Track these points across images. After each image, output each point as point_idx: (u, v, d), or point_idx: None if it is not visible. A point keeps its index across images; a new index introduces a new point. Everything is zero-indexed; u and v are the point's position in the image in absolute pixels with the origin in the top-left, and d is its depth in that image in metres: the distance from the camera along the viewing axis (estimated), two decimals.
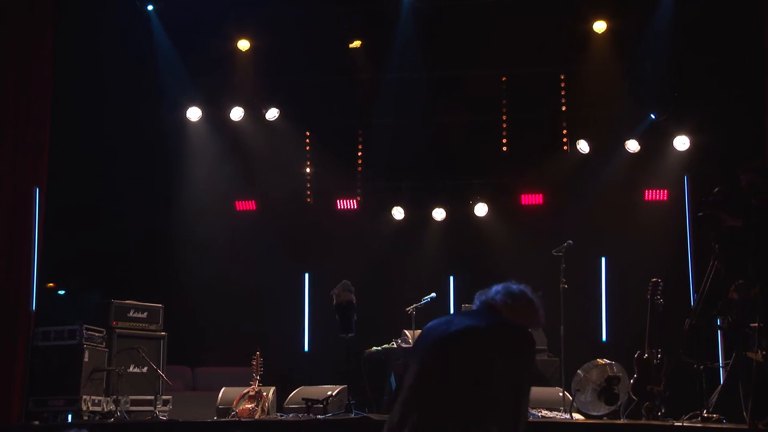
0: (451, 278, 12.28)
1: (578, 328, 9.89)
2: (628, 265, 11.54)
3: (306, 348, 12.23)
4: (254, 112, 12.44)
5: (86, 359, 9.10)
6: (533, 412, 9.12)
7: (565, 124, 12.39)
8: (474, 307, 4.21)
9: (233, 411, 9.29)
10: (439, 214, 12.76)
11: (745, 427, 7.40)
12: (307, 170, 13.02)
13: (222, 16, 11.83)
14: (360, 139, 12.97)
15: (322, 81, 12.40)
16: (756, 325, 7.67)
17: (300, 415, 9.16)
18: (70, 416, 9.03)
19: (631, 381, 8.92)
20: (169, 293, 11.11)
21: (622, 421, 8.81)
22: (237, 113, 12.37)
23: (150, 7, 11.69)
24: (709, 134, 11.39)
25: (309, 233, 12.79)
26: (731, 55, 11.20)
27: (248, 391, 9.35)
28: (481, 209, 12.63)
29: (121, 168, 11.92)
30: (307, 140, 13.00)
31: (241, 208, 12.95)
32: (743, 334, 7.96)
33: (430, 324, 4.14)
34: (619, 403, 9.26)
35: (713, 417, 7.82)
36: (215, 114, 12.49)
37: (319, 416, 8.94)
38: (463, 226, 12.73)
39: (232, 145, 12.62)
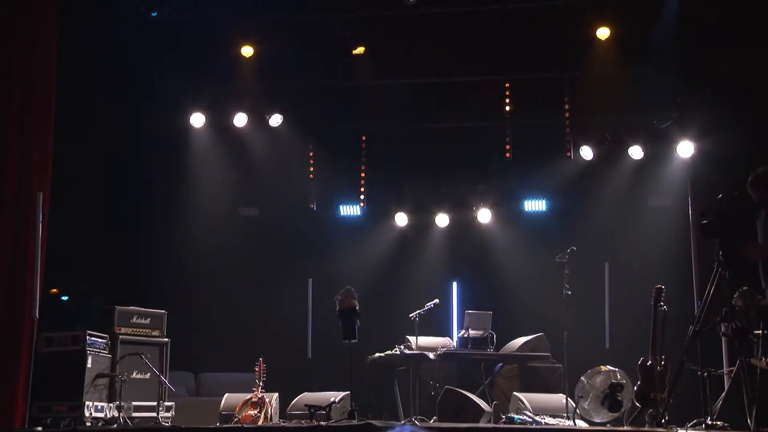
0: (454, 284, 12.27)
1: (581, 334, 9.89)
2: (631, 272, 11.53)
3: (309, 354, 12.21)
4: (258, 118, 12.45)
5: (89, 365, 9.09)
6: (536, 418, 9.12)
7: (568, 130, 12.38)
8: None
9: (236, 417, 9.30)
10: (442, 220, 12.77)
11: None
12: (310, 176, 13.04)
13: (226, 22, 11.85)
14: (363, 145, 12.97)
15: (326, 87, 12.42)
16: (759, 332, 7.65)
17: (303, 422, 9.15)
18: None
19: (635, 388, 8.89)
20: (172, 299, 11.11)
21: (625, 428, 8.81)
22: (240, 119, 12.39)
23: (154, 14, 11.71)
24: (713, 140, 11.38)
25: (312, 239, 12.80)
26: (735, 61, 11.20)
27: (251, 398, 9.36)
28: (484, 215, 12.64)
29: (125, 174, 11.93)
30: (311, 146, 13.02)
31: (245, 214, 12.96)
32: (747, 342, 7.94)
33: None
34: (622, 410, 9.25)
35: (717, 424, 7.79)
36: (219, 120, 12.50)
37: (322, 422, 8.93)
38: (467, 232, 12.74)
39: (235, 150, 12.63)
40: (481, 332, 10.51)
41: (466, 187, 12.75)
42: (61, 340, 9.24)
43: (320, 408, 9.20)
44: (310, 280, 12.52)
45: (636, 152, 11.90)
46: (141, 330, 9.80)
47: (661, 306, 8.92)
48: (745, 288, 8.03)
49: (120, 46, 11.41)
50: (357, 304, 9.23)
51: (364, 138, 12.98)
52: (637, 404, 8.78)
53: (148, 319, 9.88)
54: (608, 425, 9.20)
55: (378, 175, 12.88)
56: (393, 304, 11.60)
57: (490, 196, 12.69)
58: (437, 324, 11.01)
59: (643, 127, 11.92)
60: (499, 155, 12.53)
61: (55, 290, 11.96)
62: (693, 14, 11.13)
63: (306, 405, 9.41)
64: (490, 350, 10.51)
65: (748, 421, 7.52)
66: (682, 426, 8.06)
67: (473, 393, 10.08)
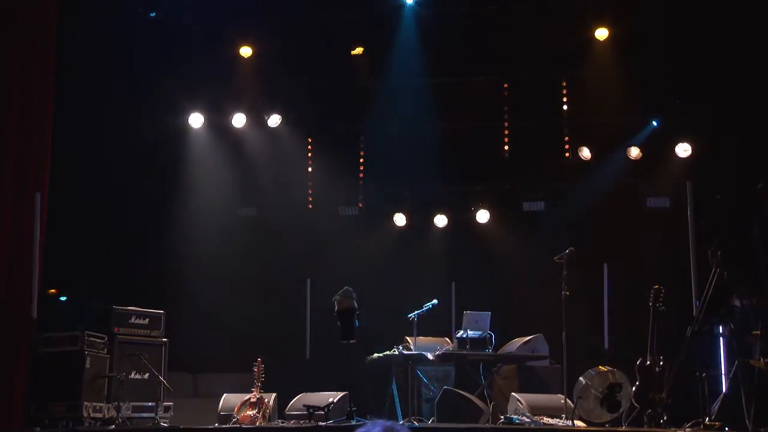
0: (453, 285, 12.27)
1: (580, 335, 9.88)
2: (629, 272, 11.52)
3: (307, 354, 12.21)
4: (256, 119, 12.46)
5: (88, 365, 9.09)
6: (535, 419, 9.12)
7: (566, 131, 12.39)
8: None
9: (234, 417, 9.29)
10: (440, 220, 12.76)
11: None
12: (309, 176, 13.04)
13: (225, 23, 11.85)
14: (362, 146, 12.98)
15: (324, 87, 12.41)
16: (757, 332, 7.67)
17: (301, 422, 9.15)
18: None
19: (633, 388, 8.91)
20: (170, 299, 11.11)
21: (624, 428, 8.80)
22: (239, 119, 12.40)
23: (153, 14, 11.71)
24: (711, 141, 11.39)
25: (311, 240, 12.78)
26: (734, 61, 11.21)
27: (250, 398, 9.35)
28: (482, 216, 12.63)
29: (124, 174, 11.92)
30: (309, 146, 13.02)
31: (243, 214, 12.95)
32: (745, 342, 7.96)
33: None
34: (621, 410, 9.24)
35: (715, 425, 7.81)
36: (217, 120, 12.51)
37: (320, 423, 8.94)
38: (465, 233, 12.73)
39: (234, 151, 12.63)
40: (479, 332, 10.51)
41: (464, 187, 12.74)
42: (59, 341, 9.24)
43: (319, 408, 9.19)
44: (309, 280, 12.52)
45: (634, 153, 11.91)
46: (139, 330, 9.80)
47: (659, 306, 8.93)
48: (742, 288, 8.05)
49: (119, 47, 11.41)
50: (355, 304, 9.23)
51: (362, 138, 12.98)
52: (636, 404, 8.79)
53: (147, 320, 9.88)
54: (607, 425, 9.19)
55: (376, 176, 12.87)
56: (392, 304, 11.58)
57: (488, 196, 12.67)
58: (436, 324, 11.00)
59: (641, 127, 11.93)
60: (497, 155, 12.54)
61: (53, 290, 11.96)
62: (692, 15, 11.14)
63: (304, 405, 9.41)
64: (489, 351, 10.51)
65: (747, 421, 7.53)
66: (680, 426, 8.07)
67: (472, 393, 10.08)
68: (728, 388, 8.38)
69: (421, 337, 10.40)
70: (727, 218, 8.02)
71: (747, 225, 7.78)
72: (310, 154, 13.03)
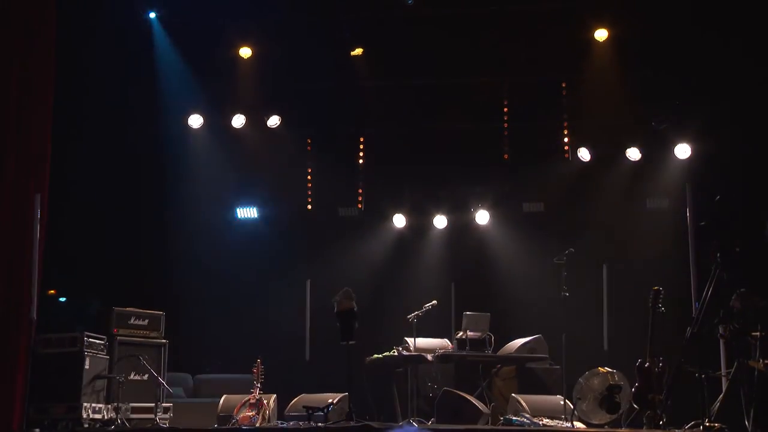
0: (452, 285, 12.28)
1: (579, 336, 9.89)
2: (629, 273, 11.54)
3: (307, 355, 12.22)
4: (256, 119, 12.46)
5: (87, 366, 9.08)
6: (534, 420, 9.12)
7: (566, 132, 12.40)
8: None
9: (234, 419, 9.30)
10: (440, 221, 12.76)
11: None
12: (309, 177, 13.05)
13: (224, 24, 11.86)
14: (361, 147, 12.98)
15: (324, 88, 12.42)
16: (757, 333, 7.68)
17: (301, 423, 9.15)
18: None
19: (633, 389, 8.90)
20: (170, 300, 11.11)
21: (623, 429, 8.81)
22: (238, 120, 12.40)
23: (152, 15, 11.72)
24: (710, 142, 11.40)
25: (310, 241, 12.79)
26: (733, 62, 11.22)
27: (249, 399, 9.36)
28: (482, 217, 12.63)
29: (123, 175, 11.92)
30: (309, 147, 13.03)
31: (243, 216, 12.96)
32: (745, 343, 7.96)
33: None
34: (620, 411, 9.25)
35: (715, 426, 7.80)
36: (217, 121, 12.51)
37: (320, 424, 8.93)
38: (465, 234, 12.74)
39: (233, 152, 12.64)
40: (479, 334, 10.51)
41: (464, 188, 12.75)
42: (59, 342, 9.22)
43: (318, 409, 9.19)
44: (308, 281, 12.53)
45: (633, 154, 11.92)
46: (139, 331, 9.79)
47: (659, 307, 8.93)
48: (742, 289, 8.05)
49: (118, 47, 11.41)
50: (355, 305, 9.22)
51: (362, 139, 12.99)
52: (635, 406, 8.79)
53: (146, 321, 9.87)
54: (606, 427, 9.20)
55: (376, 177, 12.88)
56: (391, 305, 11.60)
57: (488, 197, 12.68)
58: (435, 325, 11.01)
59: (640, 128, 11.93)
60: (497, 157, 12.54)
61: (53, 291, 11.96)
62: (691, 15, 11.15)
63: (304, 406, 9.41)
64: (489, 352, 10.51)
65: (746, 423, 7.53)
66: (679, 427, 8.07)
67: (471, 394, 10.08)
68: (728, 389, 8.38)
69: (421, 338, 10.40)
70: (727, 219, 8.01)
71: (758, 226, 7.78)
72: (309, 155, 13.03)
